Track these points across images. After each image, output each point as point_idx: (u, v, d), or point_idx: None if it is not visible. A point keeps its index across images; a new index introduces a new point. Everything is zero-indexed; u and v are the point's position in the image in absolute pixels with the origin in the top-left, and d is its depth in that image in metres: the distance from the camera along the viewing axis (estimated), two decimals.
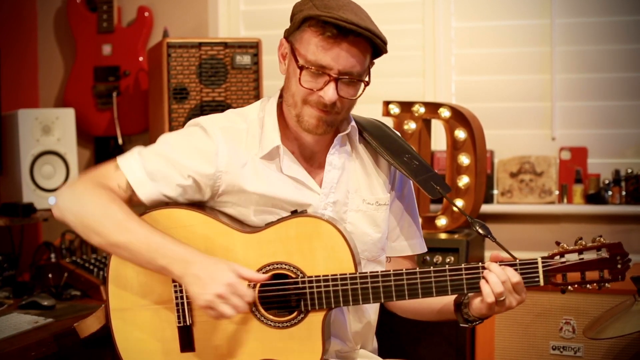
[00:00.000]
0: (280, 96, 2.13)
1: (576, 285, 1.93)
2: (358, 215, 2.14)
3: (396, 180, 2.22)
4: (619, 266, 1.93)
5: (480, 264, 1.95)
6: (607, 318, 2.50)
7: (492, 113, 3.59)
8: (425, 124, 3.28)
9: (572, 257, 1.93)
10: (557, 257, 1.93)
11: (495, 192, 3.60)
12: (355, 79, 2.00)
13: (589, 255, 1.93)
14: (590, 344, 2.81)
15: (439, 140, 3.59)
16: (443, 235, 3.16)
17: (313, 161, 2.14)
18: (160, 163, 2.05)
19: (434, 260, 3.02)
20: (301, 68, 1.98)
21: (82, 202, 2.00)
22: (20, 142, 3.33)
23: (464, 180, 3.15)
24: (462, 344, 2.98)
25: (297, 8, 2.03)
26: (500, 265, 1.93)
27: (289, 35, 2.04)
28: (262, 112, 2.13)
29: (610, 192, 3.42)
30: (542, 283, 1.93)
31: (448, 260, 3.01)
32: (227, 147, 2.06)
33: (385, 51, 2.03)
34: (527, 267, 1.94)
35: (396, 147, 2.16)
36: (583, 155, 3.50)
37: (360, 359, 2.20)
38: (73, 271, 3.07)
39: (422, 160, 2.17)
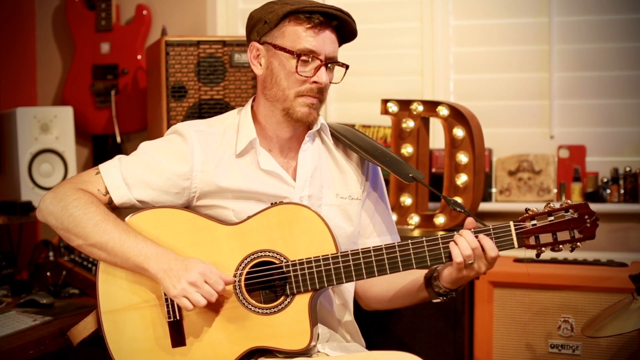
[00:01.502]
0: (255, 101, 2.23)
1: (549, 247, 2.00)
2: (332, 209, 2.20)
3: (369, 176, 2.30)
4: (588, 225, 2.00)
5: (455, 233, 2.02)
6: (606, 316, 2.50)
7: (490, 111, 3.59)
8: (424, 122, 3.28)
9: (543, 221, 2.00)
10: (528, 220, 2.01)
11: (494, 190, 3.60)
12: (334, 64, 2.14)
13: (558, 217, 2.00)
14: (589, 342, 2.81)
15: (437, 139, 3.59)
16: (441, 233, 3.15)
17: (288, 158, 2.22)
18: (137, 168, 2.15)
19: None
20: (298, 56, 2.08)
21: (62, 205, 2.09)
22: (18, 140, 3.33)
23: (462, 179, 3.15)
24: (461, 343, 2.98)
25: (262, 12, 2.14)
26: (474, 232, 2.01)
27: (261, 37, 2.14)
28: (237, 117, 2.23)
29: (608, 191, 3.43)
30: (516, 245, 2.01)
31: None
32: (201, 148, 2.15)
33: (355, 37, 2.18)
34: (500, 232, 2.01)
35: (367, 145, 2.25)
36: (581, 154, 3.51)
37: (351, 351, 2.22)
38: (71, 269, 3.07)
39: (393, 154, 2.27)
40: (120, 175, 2.13)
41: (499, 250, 2.00)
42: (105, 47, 3.79)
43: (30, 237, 3.70)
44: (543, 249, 2.01)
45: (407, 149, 3.25)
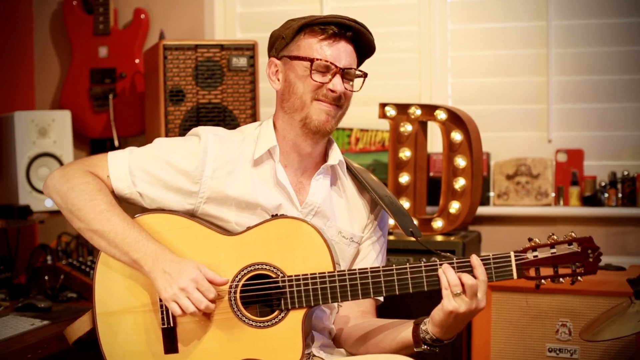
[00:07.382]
0: (275, 116, 2.22)
1: (549, 279, 1.97)
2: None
3: (378, 217, 2.28)
4: (591, 259, 1.96)
5: (455, 258, 1.98)
6: (603, 320, 2.50)
7: (488, 115, 3.60)
8: (422, 126, 3.29)
9: (545, 252, 1.97)
10: (530, 251, 1.97)
11: (492, 194, 3.60)
12: (353, 76, 2.15)
13: (560, 250, 1.97)
14: (587, 346, 2.81)
15: (435, 143, 3.60)
16: (439, 238, 3.17)
17: (302, 178, 2.20)
18: (146, 161, 2.14)
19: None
20: (312, 61, 2.08)
21: (69, 185, 2.10)
22: (16, 144, 3.33)
23: (460, 183, 3.15)
24: (459, 347, 2.98)
25: (281, 30, 2.18)
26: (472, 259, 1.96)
27: (278, 52, 2.17)
28: (257, 129, 2.22)
29: (606, 194, 3.43)
30: (515, 276, 1.97)
31: None
32: (216, 153, 2.13)
33: (373, 51, 2.20)
34: (500, 261, 1.97)
35: (379, 188, 2.24)
36: (579, 158, 3.51)
37: (344, 355, 2.22)
38: (69, 273, 3.07)
39: (400, 204, 2.24)
40: (127, 167, 2.13)
41: (496, 280, 1.97)
42: (103, 51, 3.79)
43: (28, 241, 3.70)
44: (543, 281, 1.96)
45: (405, 153, 3.25)
